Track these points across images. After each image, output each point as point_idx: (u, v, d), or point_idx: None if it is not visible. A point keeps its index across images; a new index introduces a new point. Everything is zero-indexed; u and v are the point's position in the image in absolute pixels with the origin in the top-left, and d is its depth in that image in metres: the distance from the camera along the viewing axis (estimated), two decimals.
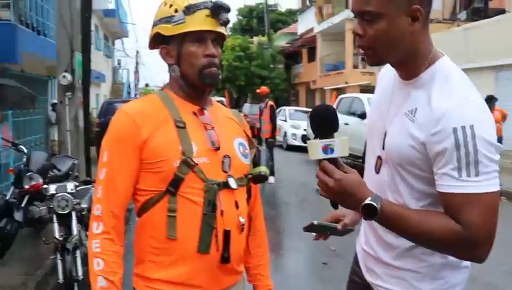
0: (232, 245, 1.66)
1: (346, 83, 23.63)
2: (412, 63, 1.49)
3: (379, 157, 1.59)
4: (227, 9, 1.67)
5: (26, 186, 5.33)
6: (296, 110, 21.50)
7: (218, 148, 1.67)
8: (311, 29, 29.18)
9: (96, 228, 1.59)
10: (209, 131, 1.69)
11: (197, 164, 1.61)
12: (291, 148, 18.75)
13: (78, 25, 8.50)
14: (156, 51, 1.77)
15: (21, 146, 6.05)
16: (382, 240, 1.61)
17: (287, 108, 21.89)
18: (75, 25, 8.37)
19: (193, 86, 1.71)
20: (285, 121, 19.72)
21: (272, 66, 32.63)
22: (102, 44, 26.02)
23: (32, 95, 8.57)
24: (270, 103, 11.49)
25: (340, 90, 22.05)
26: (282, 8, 44.06)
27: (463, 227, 1.34)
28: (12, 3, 8.87)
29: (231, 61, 31.44)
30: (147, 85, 61.59)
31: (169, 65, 1.73)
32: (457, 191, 1.35)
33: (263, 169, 1.78)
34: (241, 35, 35.01)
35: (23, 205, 5.42)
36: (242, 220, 1.70)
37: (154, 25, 1.72)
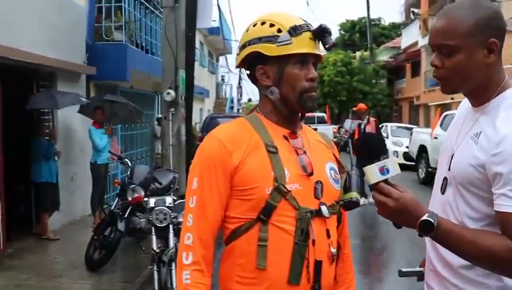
0: (323, 276, 1.59)
1: (452, 98, 22.49)
2: (483, 92, 1.55)
3: (445, 179, 1.63)
4: (330, 33, 1.64)
5: (129, 198, 5.61)
6: (398, 127, 20.83)
7: (310, 174, 1.61)
8: (415, 43, 28.22)
9: (186, 258, 1.55)
10: (301, 156, 1.63)
11: (289, 191, 1.55)
12: None
13: (182, 44, 8.90)
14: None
15: (126, 160, 6.40)
16: (441, 257, 1.61)
17: (389, 124, 21.27)
18: (180, 43, 8.77)
19: (290, 109, 1.66)
20: (387, 138, 19.13)
21: (374, 81, 31.94)
22: (206, 60, 27.04)
23: (138, 110, 9.07)
24: (373, 118, 10.94)
25: (445, 106, 21.04)
26: (386, 22, 43.12)
27: None
28: (124, 25, 9.48)
29: (333, 76, 31.21)
30: (249, 100, 62.55)
31: (265, 87, 1.66)
32: None
33: (354, 195, 1.69)
34: (343, 50, 34.70)
35: (126, 215, 5.71)
36: (333, 250, 1.64)
37: (251, 43, 1.64)
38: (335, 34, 51.80)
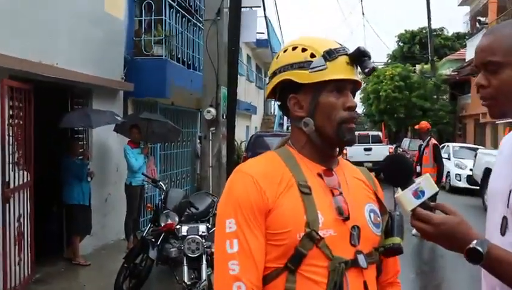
0: None
1: None
2: None
3: (504, 218, 1.57)
4: (369, 56, 1.56)
5: (162, 224, 5.60)
6: (461, 147, 20.20)
7: (347, 218, 1.51)
8: None
9: None
10: (337, 197, 1.53)
11: (322, 238, 1.45)
12: (455, 190, 17.55)
13: (225, 59, 8.91)
14: None
15: (160, 183, 6.40)
16: (490, 284, 1.58)
17: (451, 144, 20.66)
18: (222, 58, 8.80)
19: (327, 143, 1.57)
20: (449, 159, 18.58)
21: (435, 96, 31.26)
22: (254, 75, 27.19)
23: (177, 129, 9.13)
24: (434, 141, 10.28)
25: None
26: (449, 32, 42.26)
27: None
28: (164, 40, 9.61)
29: (390, 92, 30.74)
30: None
31: (298, 118, 1.59)
32: None
33: (397, 241, 1.57)
34: (401, 64, 34.18)
35: (158, 243, 5.69)
36: None
37: (282, 70, 1.59)
38: (393, 46, 51.13)
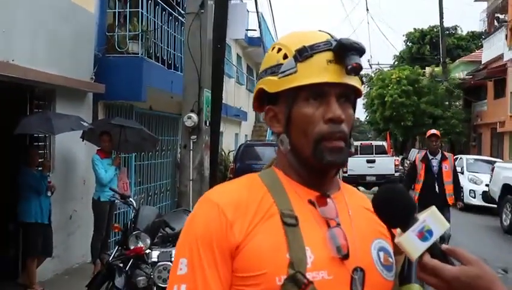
0: None
1: None
2: None
3: None
4: (359, 50, 1.34)
5: (131, 247, 5.39)
6: (476, 160, 20.15)
7: (346, 257, 1.31)
8: (500, 57, 27.53)
9: None
10: (333, 230, 1.34)
11: (311, 282, 1.25)
12: (469, 208, 17.42)
13: (209, 58, 8.76)
14: None
15: (130, 199, 6.22)
16: None
17: (465, 157, 20.61)
18: (205, 57, 8.63)
19: (304, 165, 1.40)
20: (462, 173, 18.48)
21: (447, 103, 31.32)
22: (245, 77, 27.09)
23: (153, 138, 8.96)
24: (451, 155, 9.54)
25: None
26: (463, 31, 42.49)
27: None
28: (140, 35, 9.43)
29: (396, 97, 30.79)
30: None
31: (276, 134, 1.44)
32: None
33: (416, 289, 1.35)
34: (409, 66, 34.26)
35: (126, 269, 5.48)
36: None
37: (260, 77, 1.46)
38: (400, 46, 51.14)
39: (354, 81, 1.37)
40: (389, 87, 31.14)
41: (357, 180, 20.81)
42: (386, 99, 31.02)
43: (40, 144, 7.76)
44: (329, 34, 1.41)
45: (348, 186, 1.53)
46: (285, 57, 1.37)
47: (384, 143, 23.80)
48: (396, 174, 20.71)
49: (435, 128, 29.22)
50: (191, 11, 8.71)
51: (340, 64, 1.34)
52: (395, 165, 20.63)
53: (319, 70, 1.33)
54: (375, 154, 21.74)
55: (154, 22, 10.23)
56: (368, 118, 38.76)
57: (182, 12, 11.44)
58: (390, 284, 1.37)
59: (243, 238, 1.28)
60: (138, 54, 9.40)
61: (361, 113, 42.75)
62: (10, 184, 7.23)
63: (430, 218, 1.27)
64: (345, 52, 1.33)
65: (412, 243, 1.26)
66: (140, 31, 9.51)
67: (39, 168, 7.23)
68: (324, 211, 1.37)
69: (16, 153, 7.45)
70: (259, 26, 19.65)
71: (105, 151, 8.03)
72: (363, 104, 37.83)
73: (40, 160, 7.36)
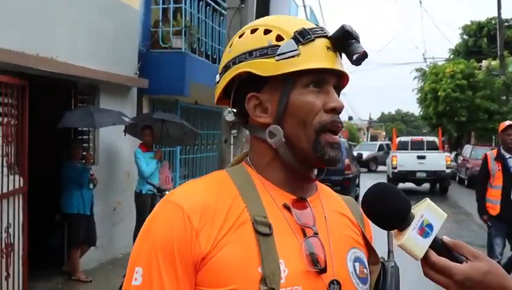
0: None
1: None
2: None
3: None
4: (357, 38, 1.26)
5: None
6: None
7: (323, 270, 1.21)
8: None
9: None
10: (309, 240, 1.23)
11: None
12: None
13: None
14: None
15: (166, 192, 6.30)
16: None
17: None
18: None
19: (302, 161, 1.28)
20: None
21: (504, 97, 30.32)
22: None
23: (193, 131, 9.05)
24: None
25: None
26: None
27: None
28: (184, 31, 9.56)
29: (450, 92, 29.99)
30: (350, 118, 61.62)
31: (261, 126, 1.29)
32: None
33: None
34: (465, 60, 33.36)
35: None
36: None
37: (237, 61, 1.28)
38: (456, 40, 49.58)
39: (343, 68, 1.29)
40: (443, 82, 30.39)
41: (406, 177, 20.47)
42: (439, 94, 30.29)
43: (84, 137, 7.99)
44: (313, 23, 1.32)
45: (323, 187, 1.41)
46: (279, 38, 1.25)
47: (436, 139, 23.28)
48: (448, 170, 20.21)
49: (490, 123, 28.13)
50: (232, 5, 8.76)
51: (335, 52, 1.27)
52: (447, 161, 20.16)
53: (322, 56, 1.25)
54: (427, 150, 21.31)
55: (198, 17, 10.35)
56: (421, 113, 37.93)
57: (226, 6, 11.52)
58: None
59: (210, 248, 1.15)
60: (181, 49, 9.53)
61: (415, 108, 41.91)
62: (57, 177, 7.48)
63: (428, 211, 1.21)
64: (348, 40, 1.26)
65: (415, 242, 1.18)
66: (183, 26, 9.65)
67: (82, 161, 7.45)
68: (300, 217, 1.25)
69: (61, 147, 7.70)
70: (307, 19, 19.57)
71: (147, 145, 8.19)
72: (417, 99, 37.09)
73: (83, 153, 7.59)
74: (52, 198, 7.63)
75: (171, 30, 9.61)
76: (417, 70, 36.91)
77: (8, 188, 5.77)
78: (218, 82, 1.35)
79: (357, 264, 1.29)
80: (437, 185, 20.99)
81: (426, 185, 21.48)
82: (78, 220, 7.16)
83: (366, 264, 1.32)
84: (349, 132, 49.97)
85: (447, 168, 20.13)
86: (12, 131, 5.94)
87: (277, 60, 1.23)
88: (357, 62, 1.25)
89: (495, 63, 31.91)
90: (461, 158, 25.60)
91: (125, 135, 8.21)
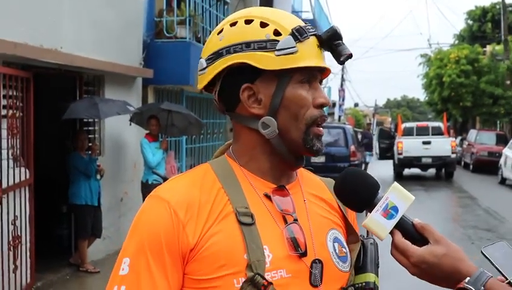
0: None
1: None
2: None
3: None
4: (342, 39, 1.34)
5: None
6: None
7: (304, 255, 1.27)
8: None
9: None
10: (290, 225, 1.29)
11: (270, 283, 1.22)
12: None
13: None
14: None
15: None
16: None
17: None
18: None
19: (291, 151, 1.34)
20: None
21: (508, 82, 30.15)
22: None
23: (198, 122, 8.99)
24: None
25: None
26: None
27: None
28: (188, 20, 9.46)
29: (455, 77, 29.87)
30: (356, 105, 61.51)
31: (253, 117, 1.32)
32: None
33: (371, 278, 1.34)
34: (469, 45, 33.15)
35: None
36: None
37: (232, 50, 1.30)
38: (461, 25, 49.29)
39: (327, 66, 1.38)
40: (447, 67, 30.25)
41: (412, 162, 20.38)
42: (444, 79, 30.16)
43: (89, 128, 7.93)
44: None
45: (304, 172, 1.47)
46: (276, 33, 1.29)
47: (441, 124, 23.16)
48: (453, 155, 20.13)
49: (495, 108, 28.11)
50: None
51: (321, 51, 1.34)
52: (452, 146, 20.05)
53: (315, 54, 1.32)
54: (432, 135, 21.21)
55: (202, 6, 10.26)
56: (426, 98, 37.79)
57: None
58: (346, 275, 1.35)
59: (197, 240, 1.22)
60: (186, 38, 9.45)
61: (420, 93, 41.78)
62: (63, 168, 7.44)
63: (393, 194, 1.27)
64: (336, 41, 1.33)
65: (378, 223, 1.26)
66: (188, 15, 9.56)
67: (88, 152, 7.40)
68: (280, 204, 1.32)
69: (67, 138, 7.65)
70: (312, 8, 19.38)
71: (153, 135, 8.14)
72: (422, 85, 36.97)
73: (89, 144, 7.54)
74: (59, 189, 7.60)
75: (176, 20, 9.54)
76: (422, 56, 36.76)
77: (14, 181, 5.73)
78: (205, 68, 1.35)
79: (336, 244, 1.36)
80: (442, 170, 20.95)
81: (432, 171, 21.44)
82: (86, 211, 7.11)
83: (344, 243, 1.39)
84: (355, 118, 49.87)
85: (452, 153, 20.04)
86: (17, 123, 5.89)
87: (277, 55, 1.28)
88: (343, 62, 1.35)
89: (499, 47, 31.72)
90: (466, 143, 25.50)
91: (130, 124, 8.14)
